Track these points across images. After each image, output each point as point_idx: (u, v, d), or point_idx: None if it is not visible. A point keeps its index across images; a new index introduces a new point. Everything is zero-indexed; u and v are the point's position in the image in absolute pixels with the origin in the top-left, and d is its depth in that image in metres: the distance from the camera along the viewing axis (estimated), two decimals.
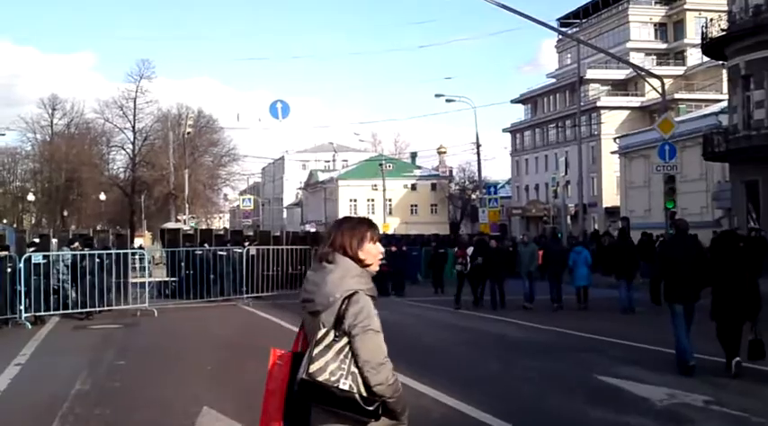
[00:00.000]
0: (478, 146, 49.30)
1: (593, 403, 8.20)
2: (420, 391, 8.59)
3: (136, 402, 8.56)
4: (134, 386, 9.37)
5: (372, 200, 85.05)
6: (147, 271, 19.28)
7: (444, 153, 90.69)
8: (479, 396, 8.45)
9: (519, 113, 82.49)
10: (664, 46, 70.43)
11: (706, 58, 63.18)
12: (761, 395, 8.62)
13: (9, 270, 15.59)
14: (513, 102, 79.14)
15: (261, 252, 22.15)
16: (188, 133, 54.53)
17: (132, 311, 17.76)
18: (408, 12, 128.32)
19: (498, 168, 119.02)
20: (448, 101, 48.59)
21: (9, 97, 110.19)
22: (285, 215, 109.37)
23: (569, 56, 76.59)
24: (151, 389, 9.16)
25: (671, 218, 24.00)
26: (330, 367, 3.28)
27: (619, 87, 68.68)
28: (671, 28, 71.09)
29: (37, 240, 19.72)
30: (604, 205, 63.12)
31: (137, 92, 64.61)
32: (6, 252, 16.61)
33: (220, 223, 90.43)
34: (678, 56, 69.05)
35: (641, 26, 70.60)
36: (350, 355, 3.34)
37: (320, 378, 3.26)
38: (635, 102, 65.20)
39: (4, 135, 68.43)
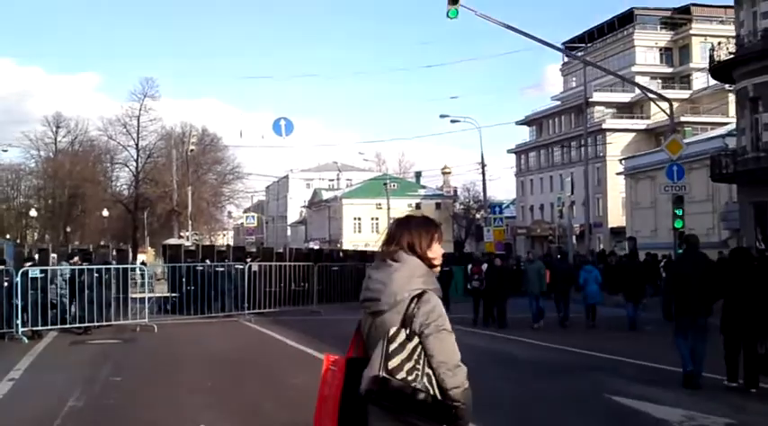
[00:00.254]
0: (483, 165, 49.05)
1: None
2: None
3: (129, 421, 8.22)
4: (129, 404, 9.02)
5: (377, 219, 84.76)
6: (146, 287, 18.92)
7: (449, 173, 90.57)
8: (493, 420, 8.06)
9: (523, 135, 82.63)
10: (669, 70, 70.55)
11: (711, 82, 63.45)
12: None
13: (6, 284, 15.30)
14: (518, 123, 79.32)
15: (263, 268, 21.89)
16: (191, 151, 54.30)
17: (132, 326, 17.45)
18: (414, 32, 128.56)
19: (502, 188, 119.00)
20: (453, 121, 48.35)
21: (15, 115, 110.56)
22: (289, 233, 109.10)
23: (574, 79, 76.97)
24: (146, 408, 8.80)
25: (680, 237, 23.77)
26: (406, 366, 3.13)
27: (624, 110, 68.91)
28: (676, 52, 71.27)
29: (36, 255, 19.36)
30: (609, 225, 63.06)
31: (140, 110, 64.48)
32: (3, 267, 16.34)
33: (224, 240, 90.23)
34: (683, 80, 69.13)
35: (647, 50, 70.71)
36: (422, 356, 3.19)
37: (398, 376, 3.10)
38: (640, 124, 65.35)
39: (6, 151, 68.48)
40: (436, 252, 3.43)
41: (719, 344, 9.91)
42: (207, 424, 7.78)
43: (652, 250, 34.20)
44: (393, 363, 3.11)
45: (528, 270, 19.68)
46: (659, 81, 67.81)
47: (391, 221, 3.59)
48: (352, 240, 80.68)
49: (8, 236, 65.62)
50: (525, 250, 61.02)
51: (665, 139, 58.76)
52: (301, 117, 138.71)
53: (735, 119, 37.72)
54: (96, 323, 16.70)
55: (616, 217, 61.90)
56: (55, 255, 21.45)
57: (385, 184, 75.30)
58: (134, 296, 19.06)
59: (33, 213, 67.71)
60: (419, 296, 3.22)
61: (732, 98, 43.70)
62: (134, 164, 67.31)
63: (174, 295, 21.18)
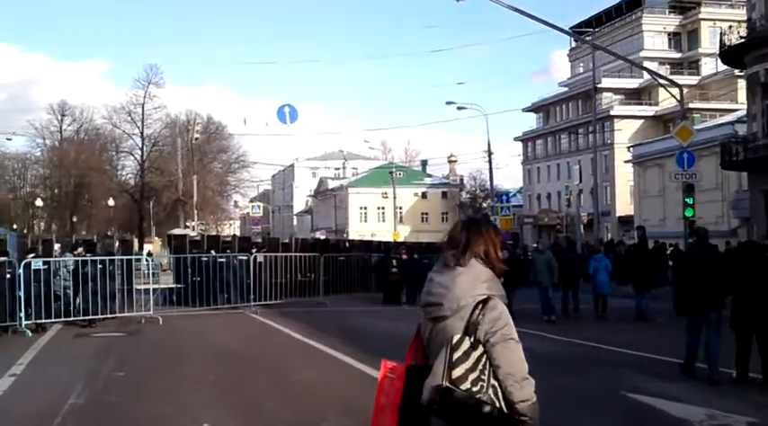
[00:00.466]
0: (490, 153, 48.68)
1: None
2: None
3: (131, 418, 8.01)
4: (130, 401, 8.81)
5: (383, 208, 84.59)
6: (150, 278, 18.70)
7: (455, 161, 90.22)
8: None
9: (529, 122, 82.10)
10: (678, 55, 69.84)
11: (721, 68, 62.80)
12: None
13: (8, 276, 15.10)
14: (524, 110, 78.69)
15: (269, 259, 21.69)
16: (196, 139, 54.12)
17: (136, 318, 17.26)
18: (420, 16, 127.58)
19: (509, 177, 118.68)
20: (459, 108, 47.98)
21: (21, 103, 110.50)
22: (295, 222, 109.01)
23: (582, 65, 76.39)
24: (149, 404, 8.57)
25: (690, 227, 23.49)
26: (470, 376, 2.97)
27: (632, 96, 68.17)
28: (685, 37, 70.45)
29: (39, 246, 19.14)
30: (617, 214, 62.64)
31: (145, 97, 64.25)
32: (6, 258, 16.13)
33: (231, 230, 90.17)
34: (692, 65, 68.37)
35: (655, 35, 69.93)
36: (488, 365, 3.04)
37: (462, 387, 2.94)
38: (649, 111, 64.72)
39: (10, 139, 68.37)
40: (502, 257, 3.31)
41: (732, 339, 9.73)
42: (209, 422, 7.56)
43: (661, 239, 33.87)
44: (457, 372, 2.95)
45: (536, 261, 19.23)
46: (668, 66, 67.17)
47: (456, 222, 3.41)
48: (359, 229, 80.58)
49: (15, 226, 65.63)
50: (533, 239, 60.82)
51: (673, 126, 58.42)
52: (306, 105, 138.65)
53: (745, 106, 37.22)
54: (101, 316, 16.50)
55: (624, 205, 61.48)
56: (59, 246, 21.24)
57: (391, 173, 74.96)
58: (139, 287, 18.90)
59: (39, 203, 67.65)
60: (484, 302, 3.09)
61: (742, 84, 43.12)
62: (139, 152, 67.17)
63: (178, 286, 21.00)
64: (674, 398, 8.63)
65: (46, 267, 15.85)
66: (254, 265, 20.37)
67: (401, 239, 56.64)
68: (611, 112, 64.59)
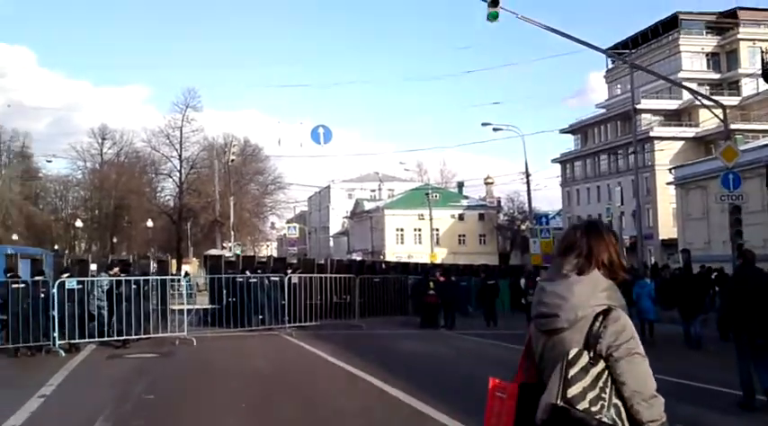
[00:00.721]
0: (528, 175, 48.05)
1: None
2: None
3: None
4: (158, 425, 8.52)
5: (419, 230, 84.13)
6: (185, 298, 18.53)
7: (492, 183, 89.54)
8: None
9: (566, 143, 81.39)
10: (717, 76, 68.86)
11: (762, 88, 61.73)
12: None
13: (43, 295, 15.01)
14: (562, 131, 77.89)
15: (304, 280, 21.42)
16: (232, 161, 54.32)
17: (171, 339, 17.06)
18: (455, 37, 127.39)
19: (547, 199, 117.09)
20: (495, 129, 47.46)
21: (64, 127, 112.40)
22: (332, 243, 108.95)
23: (619, 86, 75.71)
24: None
25: (738, 250, 22.79)
26: (589, 394, 2.70)
27: (672, 117, 67.29)
28: (724, 58, 69.59)
29: (74, 266, 19.13)
30: (660, 237, 61.48)
31: (183, 120, 64.88)
32: (42, 277, 16.07)
33: (268, 251, 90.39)
34: (732, 86, 67.35)
35: (693, 56, 69.14)
36: (609, 383, 2.77)
37: (579, 407, 2.68)
38: (689, 132, 63.64)
39: (50, 161, 69.64)
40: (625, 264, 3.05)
41: None
42: None
43: (706, 262, 32.97)
44: (573, 391, 2.67)
45: None
46: (707, 87, 66.18)
47: (571, 228, 3.12)
48: (395, 251, 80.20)
49: (56, 247, 66.45)
50: None
51: (715, 147, 57.65)
52: (341, 127, 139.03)
53: None
54: (135, 336, 16.34)
55: (667, 228, 60.32)
56: (95, 266, 21.22)
57: (427, 195, 74.66)
58: (174, 308, 18.73)
59: (79, 224, 68.51)
60: (605, 313, 2.80)
61: None
62: (177, 174, 67.75)
63: (211, 307, 20.84)
64: None
65: (80, 287, 15.75)
66: (289, 286, 20.13)
67: (438, 261, 56.15)
68: (651, 133, 63.63)
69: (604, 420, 2.67)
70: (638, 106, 56.49)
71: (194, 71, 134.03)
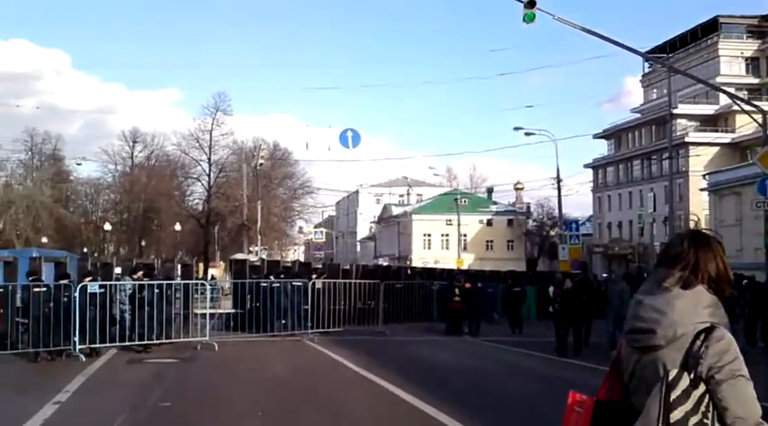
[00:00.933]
0: (559, 180, 47.59)
1: None
2: None
3: None
4: None
5: (447, 236, 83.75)
6: (207, 303, 18.42)
7: (522, 188, 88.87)
8: None
9: (598, 149, 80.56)
10: (756, 80, 67.78)
11: None
12: None
13: (65, 299, 14.96)
14: (595, 137, 77.12)
15: (328, 285, 21.24)
16: (260, 165, 54.35)
17: (193, 344, 16.95)
18: (487, 39, 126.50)
19: (577, 204, 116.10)
20: (527, 134, 47.08)
21: (98, 131, 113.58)
22: (359, 248, 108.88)
23: (655, 91, 74.80)
24: None
25: None
26: (691, 420, 2.51)
27: (708, 123, 66.40)
28: (764, 62, 68.60)
29: (98, 270, 19.12)
30: None
31: (213, 124, 65.17)
32: (66, 281, 16.02)
33: (295, 255, 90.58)
34: None
35: (731, 60, 68.13)
36: (711, 407, 2.55)
37: None
38: (725, 138, 62.78)
39: (80, 164, 70.29)
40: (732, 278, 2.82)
41: None
42: None
43: (738, 270, 32.34)
44: (675, 415, 2.48)
45: (609, 292, 18.30)
46: (745, 92, 65.07)
47: (677, 236, 2.90)
48: (422, 256, 79.90)
49: (85, 250, 67.03)
50: (602, 269, 59.24)
51: (752, 153, 56.64)
52: (370, 132, 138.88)
53: None
54: (156, 341, 16.26)
55: None
56: (119, 269, 21.21)
57: (456, 200, 74.36)
58: (198, 312, 18.64)
59: (108, 227, 69.01)
60: (707, 331, 2.56)
61: None
62: (206, 178, 68.05)
63: (233, 311, 20.75)
64: None
65: (102, 291, 15.69)
66: (313, 291, 19.98)
67: (465, 267, 55.83)
68: (686, 139, 62.73)
69: None
70: (674, 111, 55.80)
71: (225, 75, 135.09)
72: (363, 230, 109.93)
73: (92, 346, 15.16)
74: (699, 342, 2.53)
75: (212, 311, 18.72)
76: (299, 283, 20.36)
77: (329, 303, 20.85)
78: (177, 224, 65.02)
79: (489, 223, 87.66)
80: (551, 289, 19.75)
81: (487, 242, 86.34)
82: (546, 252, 77.75)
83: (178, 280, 18.61)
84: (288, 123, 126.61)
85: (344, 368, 14.22)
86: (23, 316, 14.63)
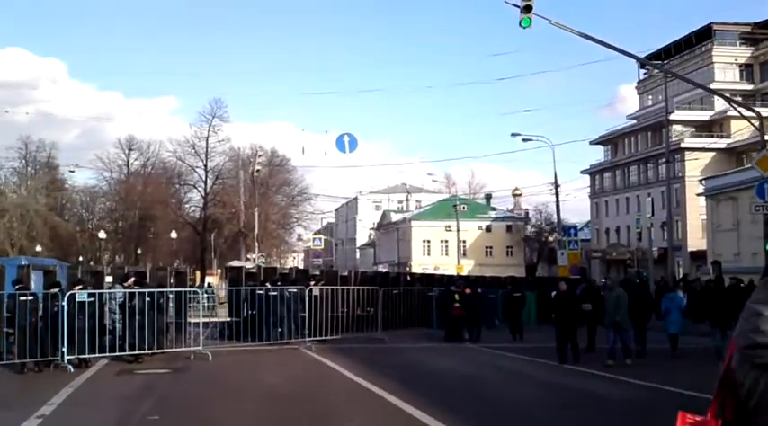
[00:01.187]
0: (557, 186, 47.34)
1: None
2: None
3: None
4: None
5: (446, 242, 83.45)
6: (200, 311, 17.99)
7: (520, 195, 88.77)
8: None
9: (595, 155, 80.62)
10: (750, 87, 68.08)
11: None
12: None
13: (54, 308, 14.54)
14: (592, 143, 77.18)
15: (326, 292, 20.83)
16: (257, 171, 53.98)
17: (186, 354, 16.53)
18: (485, 44, 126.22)
19: (574, 210, 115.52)
20: (525, 140, 46.83)
21: (94, 139, 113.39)
22: (358, 255, 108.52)
23: (651, 97, 74.99)
24: None
25: None
26: None
27: (703, 129, 66.67)
28: (757, 69, 68.97)
29: (88, 278, 18.70)
30: (689, 248, 60.58)
31: (209, 130, 64.84)
32: (57, 289, 15.59)
33: (294, 262, 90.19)
34: (765, 97, 66.28)
35: (725, 67, 68.42)
36: None
37: None
38: (721, 143, 62.91)
39: (73, 171, 69.91)
40: None
41: None
42: None
43: (735, 274, 32.03)
44: None
45: (606, 299, 17.83)
46: (740, 98, 64.92)
47: None
48: (422, 263, 79.65)
49: (80, 258, 66.54)
50: (601, 274, 58.87)
51: (747, 158, 56.47)
52: (369, 138, 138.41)
53: None
54: (148, 351, 15.83)
55: (696, 240, 59.61)
56: (111, 278, 20.80)
57: (455, 206, 74.20)
58: (192, 321, 18.21)
59: (102, 235, 68.49)
60: None
61: None
62: (203, 185, 67.67)
63: (228, 319, 20.35)
64: None
65: (92, 299, 15.27)
66: (310, 298, 19.57)
67: (464, 273, 55.46)
68: (682, 145, 62.80)
69: None
70: (669, 117, 55.66)
71: (223, 82, 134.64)
72: (363, 237, 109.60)
73: (81, 356, 14.72)
74: None
75: (206, 320, 18.29)
76: (296, 290, 19.95)
77: (327, 310, 20.44)
78: (173, 231, 64.55)
79: (488, 229, 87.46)
80: (554, 294, 19.43)
81: (487, 248, 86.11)
82: (545, 257, 77.54)
83: (170, 288, 18.16)
84: (286, 130, 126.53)
85: (342, 378, 13.81)
86: (9, 326, 14.19)
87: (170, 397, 11.61)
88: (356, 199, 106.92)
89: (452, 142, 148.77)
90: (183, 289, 18.55)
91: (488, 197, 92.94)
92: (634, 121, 75.25)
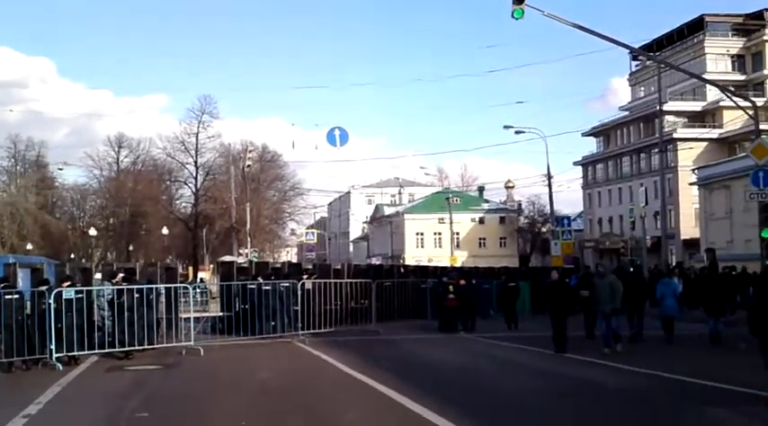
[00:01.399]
0: (549, 177, 47.23)
1: None
2: None
3: None
4: None
5: (439, 234, 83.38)
6: (191, 306, 17.73)
7: (512, 187, 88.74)
8: None
9: (588, 146, 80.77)
10: (742, 77, 68.22)
11: None
12: None
13: (42, 306, 14.28)
14: (584, 134, 77.31)
15: (319, 285, 20.60)
16: (248, 166, 53.73)
17: (177, 349, 16.30)
18: (476, 36, 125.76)
19: (566, 202, 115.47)
20: (517, 132, 46.79)
21: (85, 137, 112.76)
22: (351, 249, 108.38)
23: (642, 89, 75.16)
24: None
25: (767, 248, 22.18)
26: None
27: (695, 119, 66.95)
28: (749, 59, 69.24)
29: (75, 275, 18.44)
30: (682, 237, 60.75)
31: (199, 127, 64.53)
32: (45, 287, 15.32)
33: (288, 257, 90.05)
34: (757, 87, 66.53)
35: (717, 58, 68.65)
36: None
37: None
38: (713, 133, 63.14)
39: (62, 169, 69.54)
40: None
41: None
42: None
43: (728, 262, 31.99)
44: None
45: (597, 286, 17.53)
46: (732, 89, 65.16)
47: None
48: (415, 255, 79.59)
49: (72, 256, 66.13)
50: (594, 264, 58.83)
51: (739, 148, 56.50)
52: (361, 133, 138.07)
53: None
54: (138, 347, 15.58)
55: (688, 228, 59.85)
56: (100, 275, 20.54)
57: (447, 199, 74.18)
58: (183, 316, 17.93)
59: (93, 232, 68.08)
60: None
61: None
62: (193, 181, 67.35)
63: (220, 314, 20.14)
64: None
65: (80, 296, 15.01)
66: (303, 292, 19.36)
67: (458, 264, 55.36)
68: (675, 135, 62.93)
69: None
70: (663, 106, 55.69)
71: (213, 79, 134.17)
72: (356, 231, 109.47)
73: (70, 354, 14.47)
74: None
75: (197, 315, 18.04)
76: (289, 284, 19.73)
77: (320, 303, 20.24)
78: (164, 228, 64.20)
79: (481, 221, 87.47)
80: (547, 283, 19.32)
81: (480, 239, 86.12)
82: (538, 248, 77.60)
83: (160, 284, 17.92)
84: (277, 126, 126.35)
85: (335, 371, 13.61)
86: None
87: (160, 393, 11.38)
88: (349, 193, 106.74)
89: (445, 135, 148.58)
90: (173, 285, 18.26)
91: (481, 189, 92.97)
92: (626, 113, 75.50)
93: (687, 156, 61.14)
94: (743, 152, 48.89)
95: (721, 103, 60.37)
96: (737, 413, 9.28)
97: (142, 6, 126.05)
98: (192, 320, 16.99)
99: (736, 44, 68.96)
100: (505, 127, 47.06)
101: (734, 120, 54.98)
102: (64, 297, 14.47)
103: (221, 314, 20.61)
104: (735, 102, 30.44)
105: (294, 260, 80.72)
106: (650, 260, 44.26)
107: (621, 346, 16.23)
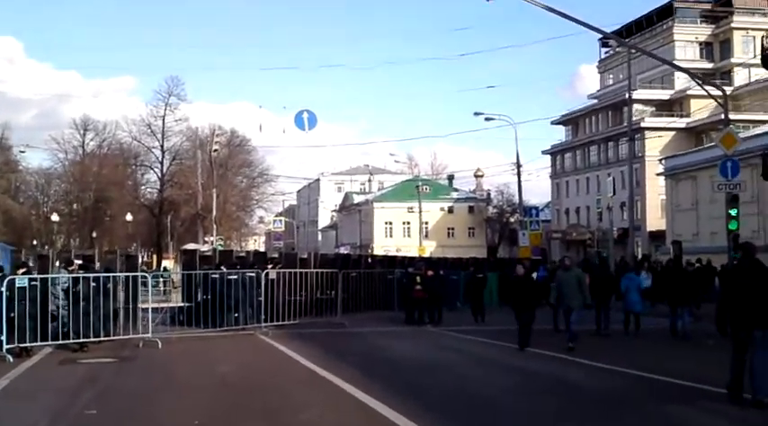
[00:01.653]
0: (519, 165, 47.11)
1: None
2: None
3: None
4: None
5: (408, 223, 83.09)
6: (150, 296, 17.26)
7: (482, 176, 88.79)
8: None
9: (557, 135, 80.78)
10: (710, 65, 68.35)
11: (753, 78, 61.02)
12: None
13: None
14: (553, 123, 77.29)
15: (284, 275, 20.16)
16: (215, 151, 52.99)
17: (134, 341, 15.83)
18: (448, 18, 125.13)
19: (535, 191, 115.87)
20: (487, 119, 46.56)
21: (52, 120, 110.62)
22: (320, 237, 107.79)
23: (611, 76, 75.05)
24: None
25: (734, 241, 22.13)
26: None
27: (663, 107, 66.93)
28: (717, 47, 69.39)
29: (31, 262, 17.89)
30: (648, 228, 60.82)
31: (165, 109, 63.48)
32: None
33: (255, 245, 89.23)
34: (724, 75, 66.72)
35: (686, 45, 68.87)
36: None
37: None
38: (680, 122, 63.17)
39: (23, 152, 67.83)
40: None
41: None
42: None
43: (694, 255, 31.94)
44: None
45: (562, 279, 17.02)
46: (701, 77, 65.53)
47: None
48: (384, 245, 79.21)
49: (35, 242, 64.80)
50: (561, 255, 58.96)
51: (707, 138, 56.78)
52: (331, 119, 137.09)
53: None
54: (94, 339, 15.07)
55: (655, 219, 59.86)
56: (58, 262, 19.97)
57: (417, 187, 73.84)
58: (142, 306, 17.42)
59: (56, 218, 66.72)
60: None
61: None
62: (159, 166, 66.33)
63: (180, 305, 19.66)
64: None
65: (34, 284, 14.48)
66: (266, 282, 18.92)
67: (427, 254, 55.16)
68: (642, 124, 62.98)
69: None
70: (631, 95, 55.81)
71: (181, 60, 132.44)
72: (325, 219, 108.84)
73: (22, 345, 13.95)
74: None
75: (156, 305, 17.58)
76: (253, 274, 19.27)
77: (285, 294, 19.80)
78: (129, 214, 63.12)
79: (450, 210, 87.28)
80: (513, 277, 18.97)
81: (449, 229, 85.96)
82: (506, 238, 77.61)
83: (119, 272, 17.41)
84: (246, 111, 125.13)
85: (297, 366, 13.23)
86: None
87: (112, 389, 10.93)
88: (318, 180, 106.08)
89: (415, 121, 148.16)
90: (131, 274, 17.73)
91: (451, 178, 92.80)
92: (595, 101, 75.42)
93: (654, 146, 61.18)
94: (710, 142, 49.09)
95: (689, 92, 60.59)
96: (698, 410, 9.25)
97: None
98: (149, 311, 16.50)
99: (704, 31, 69.21)
100: (476, 113, 46.98)
101: (701, 109, 55.20)
102: (17, 284, 13.93)
103: (182, 304, 20.15)
104: (706, 90, 30.35)
105: (262, 248, 79.95)
106: (617, 252, 44.29)
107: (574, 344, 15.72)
